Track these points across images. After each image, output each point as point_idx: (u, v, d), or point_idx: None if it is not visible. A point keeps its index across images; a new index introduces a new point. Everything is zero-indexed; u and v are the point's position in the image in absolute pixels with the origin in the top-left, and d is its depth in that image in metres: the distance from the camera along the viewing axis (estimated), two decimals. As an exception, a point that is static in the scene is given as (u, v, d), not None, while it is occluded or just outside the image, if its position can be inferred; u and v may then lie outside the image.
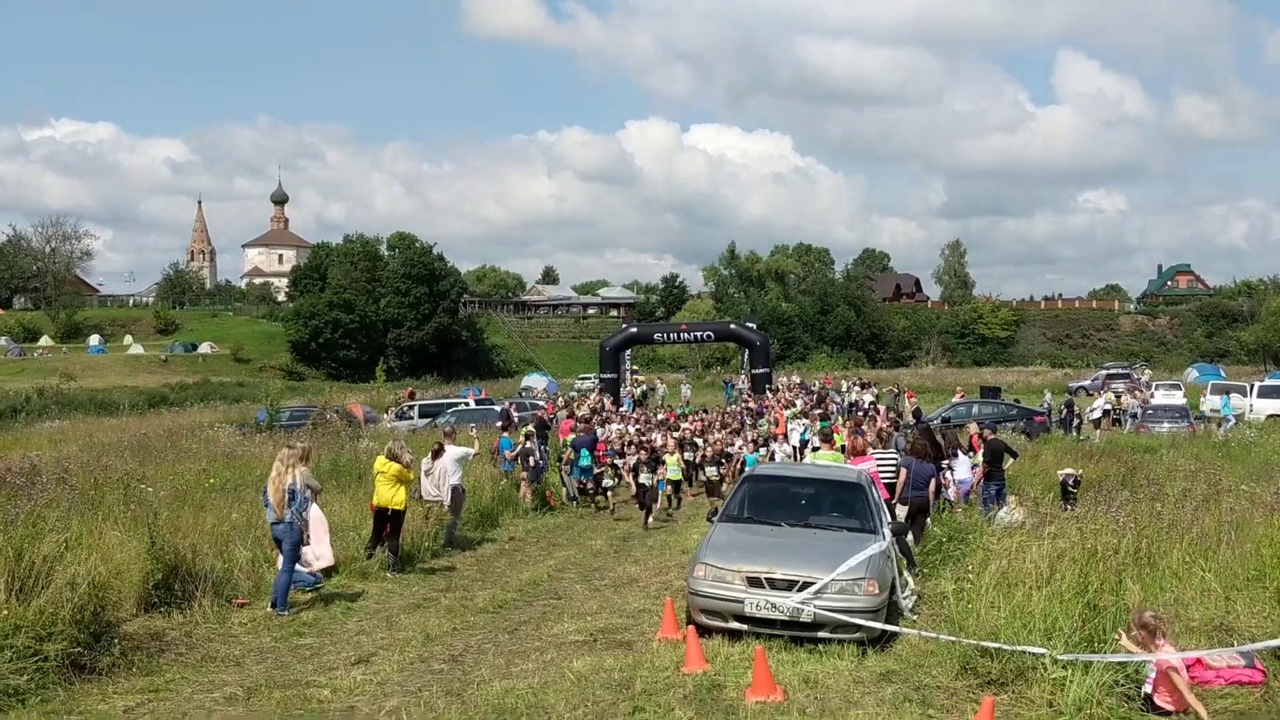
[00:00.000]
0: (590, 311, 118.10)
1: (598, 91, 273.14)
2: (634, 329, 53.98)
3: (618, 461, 22.34)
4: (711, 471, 22.08)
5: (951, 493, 16.86)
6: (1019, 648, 8.20)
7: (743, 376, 51.52)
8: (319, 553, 13.00)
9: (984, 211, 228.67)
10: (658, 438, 24.23)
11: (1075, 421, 35.56)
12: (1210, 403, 40.58)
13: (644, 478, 20.11)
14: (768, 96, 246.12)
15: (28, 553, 9.09)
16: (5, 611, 8.37)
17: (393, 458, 14.03)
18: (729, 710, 8.02)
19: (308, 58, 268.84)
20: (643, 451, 21.31)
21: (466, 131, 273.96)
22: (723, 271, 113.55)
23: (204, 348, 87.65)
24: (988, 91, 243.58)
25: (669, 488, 21.69)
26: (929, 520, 14.95)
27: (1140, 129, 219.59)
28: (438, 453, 16.42)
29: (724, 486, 21.06)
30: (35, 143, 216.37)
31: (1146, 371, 64.55)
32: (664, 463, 21.44)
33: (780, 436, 26.09)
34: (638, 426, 28.05)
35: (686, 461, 24.01)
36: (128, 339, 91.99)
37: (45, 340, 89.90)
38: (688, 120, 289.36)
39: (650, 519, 19.71)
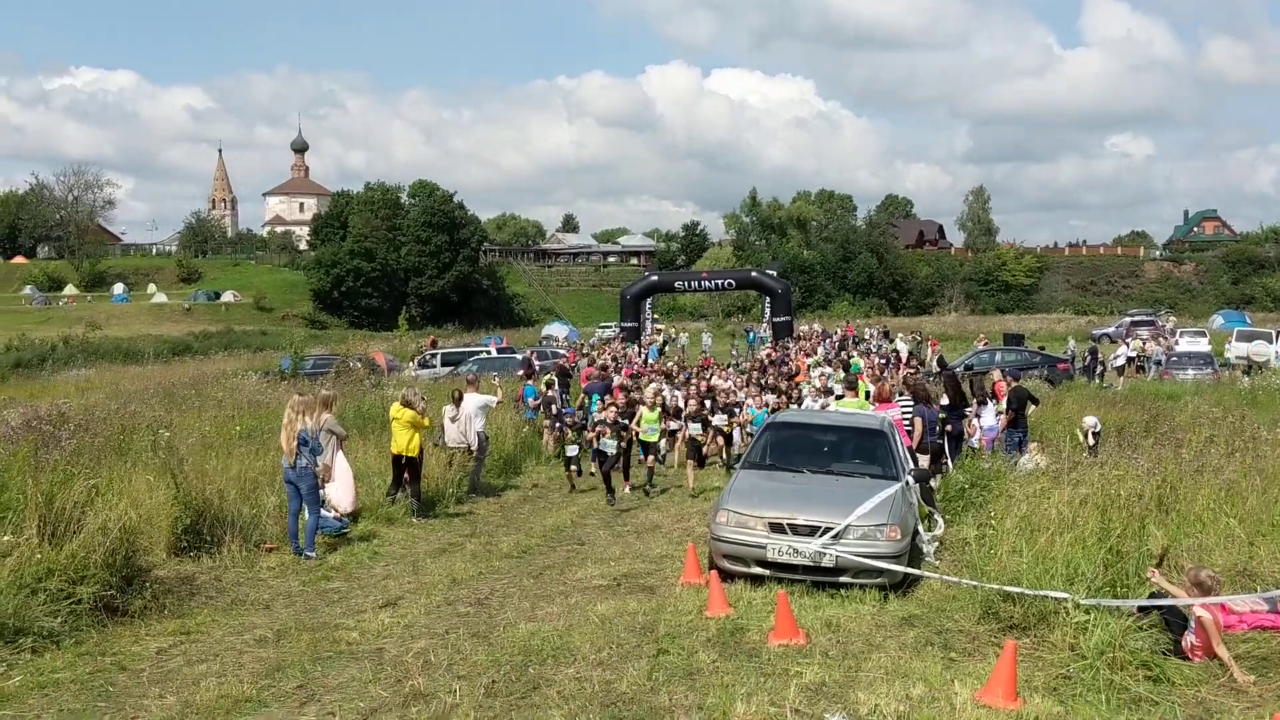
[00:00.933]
0: (610, 260, 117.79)
1: (617, 35, 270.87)
2: (655, 277, 53.86)
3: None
4: (696, 429, 17.65)
5: (976, 440, 16.85)
6: (1041, 592, 8.23)
7: (764, 325, 51.37)
8: (342, 498, 13.19)
9: (1009, 157, 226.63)
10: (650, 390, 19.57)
11: (1099, 369, 35.39)
12: (1236, 350, 40.31)
13: (604, 443, 15.86)
14: (791, 40, 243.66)
15: (59, 498, 9.22)
16: (39, 555, 8.51)
17: (406, 404, 14.25)
18: (751, 653, 8.09)
19: (325, 4, 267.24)
20: (611, 410, 16.46)
21: (486, 78, 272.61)
22: (744, 219, 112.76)
23: (227, 296, 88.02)
24: (1014, 34, 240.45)
25: (648, 457, 17.25)
26: (947, 464, 15.01)
27: (1169, 72, 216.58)
28: (459, 400, 16.55)
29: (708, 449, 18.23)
30: (55, 91, 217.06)
31: (1171, 318, 64.03)
32: (632, 420, 16.94)
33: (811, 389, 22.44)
34: (644, 379, 24.00)
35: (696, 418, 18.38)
36: (151, 288, 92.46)
37: (70, 289, 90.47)
38: (709, 65, 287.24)
39: (615, 494, 15.76)
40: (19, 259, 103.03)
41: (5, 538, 8.45)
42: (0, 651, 7.72)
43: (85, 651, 8.07)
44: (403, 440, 14.16)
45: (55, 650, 7.99)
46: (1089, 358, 36.32)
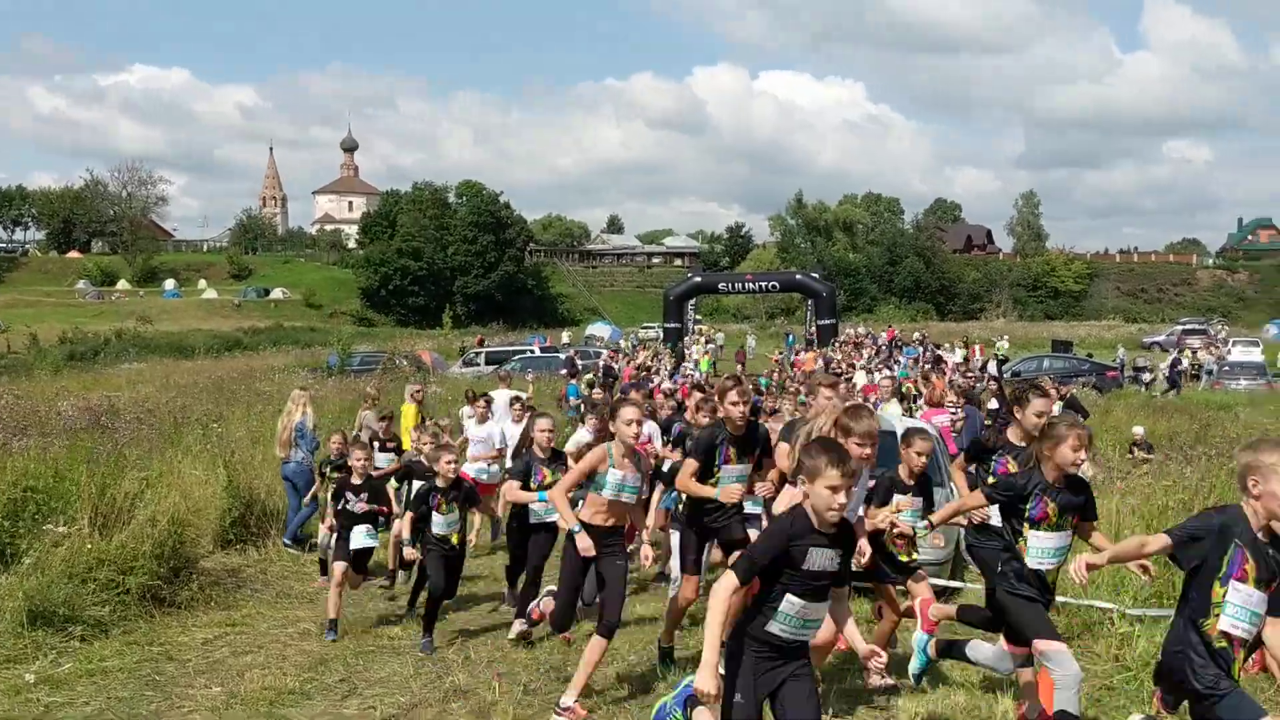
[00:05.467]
0: (655, 261, 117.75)
1: (666, 37, 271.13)
2: (699, 278, 53.85)
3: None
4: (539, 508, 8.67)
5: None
6: (1086, 602, 8.13)
7: (807, 328, 51.20)
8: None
9: (1064, 163, 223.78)
10: None
11: (1180, 377, 35.02)
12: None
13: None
14: (842, 42, 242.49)
15: (110, 489, 9.39)
16: (89, 546, 8.66)
17: (419, 402, 14.40)
18: (791, 657, 8.06)
19: (377, 3, 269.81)
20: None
21: (535, 79, 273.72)
22: (789, 221, 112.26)
23: (276, 293, 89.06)
24: (1072, 37, 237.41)
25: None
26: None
27: (1232, 77, 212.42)
28: (474, 399, 16.62)
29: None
30: (111, 88, 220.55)
31: (1224, 327, 63.05)
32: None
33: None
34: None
35: None
36: (202, 284, 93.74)
37: (123, 284, 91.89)
38: (757, 67, 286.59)
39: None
40: (74, 254, 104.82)
41: (59, 528, 8.61)
42: (51, 639, 7.87)
43: (134, 641, 8.21)
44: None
45: (104, 639, 8.13)
46: (1171, 368, 35.94)
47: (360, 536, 8.89)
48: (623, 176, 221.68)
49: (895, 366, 30.27)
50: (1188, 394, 31.84)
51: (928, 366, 27.85)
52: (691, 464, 7.25)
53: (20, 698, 6.91)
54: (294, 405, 12.04)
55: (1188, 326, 60.25)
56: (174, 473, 11.54)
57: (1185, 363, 38.12)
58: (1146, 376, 35.45)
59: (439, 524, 8.33)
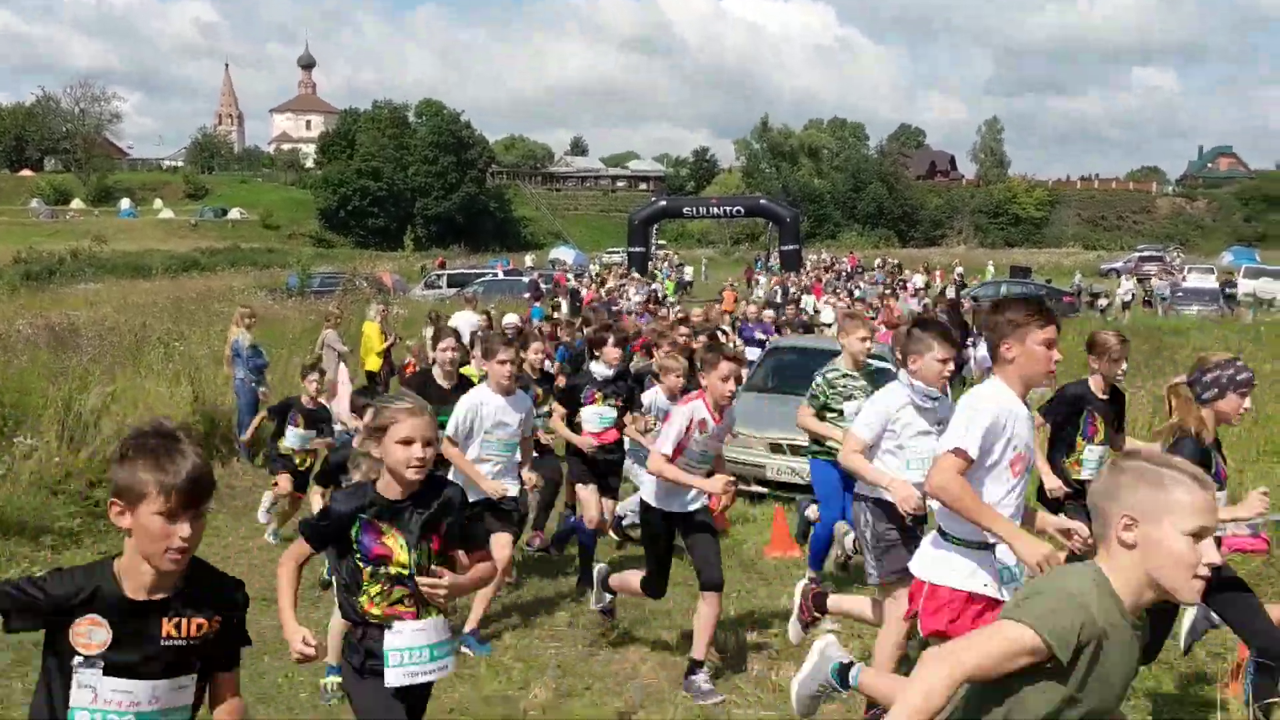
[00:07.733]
0: (619, 184, 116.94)
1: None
2: (664, 202, 53.77)
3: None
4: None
5: (974, 371, 17.04)
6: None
7: (772, 253, 51.37)
8: (345, 412, 13.43)
9: (1031, 89, 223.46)
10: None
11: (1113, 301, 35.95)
12: (1242, 286, 40.42)
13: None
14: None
15: (76, 404, 9.46)
16: (58, 459, 8.77)
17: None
18: (748, 564, 8.38)
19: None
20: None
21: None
22: (754, 145, 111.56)
23: (233, 213, 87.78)
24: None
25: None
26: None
27: (1201, 4, 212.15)
28: (436, 319, 16.73)
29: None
30: (62, 3, 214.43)
31: (1179, 254, 63.89)
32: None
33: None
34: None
35: None
36: (158, 203, 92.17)
37: (77, 203, 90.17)
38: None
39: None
40: (26, 172, 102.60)
41: (28, 441, 8.69)
42: (23, 548, 8.00)
43: (104, 550, 8.32)
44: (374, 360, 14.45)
45: (75, 549, 8.26)
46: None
47: None
48: (588, 99, 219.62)
49: (857, 291, 30.64)
50: (1143, 318, 32.41)
51: (885, 291, 28.23)
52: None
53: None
54: (235, 325, 12.19)
55: (1145, 253, 60.99)
56: (137, 389, 11.59)
57: (1133, 287, 38.99)
58: (1102, 302, 36.08)
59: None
